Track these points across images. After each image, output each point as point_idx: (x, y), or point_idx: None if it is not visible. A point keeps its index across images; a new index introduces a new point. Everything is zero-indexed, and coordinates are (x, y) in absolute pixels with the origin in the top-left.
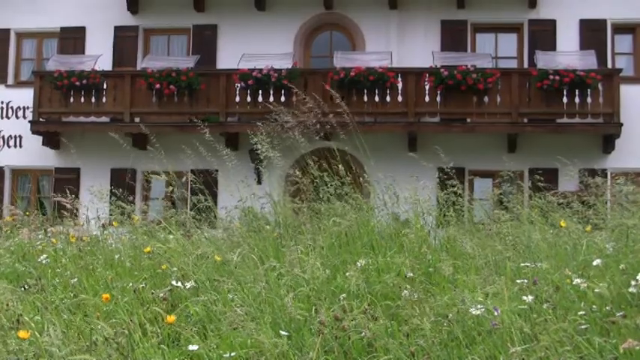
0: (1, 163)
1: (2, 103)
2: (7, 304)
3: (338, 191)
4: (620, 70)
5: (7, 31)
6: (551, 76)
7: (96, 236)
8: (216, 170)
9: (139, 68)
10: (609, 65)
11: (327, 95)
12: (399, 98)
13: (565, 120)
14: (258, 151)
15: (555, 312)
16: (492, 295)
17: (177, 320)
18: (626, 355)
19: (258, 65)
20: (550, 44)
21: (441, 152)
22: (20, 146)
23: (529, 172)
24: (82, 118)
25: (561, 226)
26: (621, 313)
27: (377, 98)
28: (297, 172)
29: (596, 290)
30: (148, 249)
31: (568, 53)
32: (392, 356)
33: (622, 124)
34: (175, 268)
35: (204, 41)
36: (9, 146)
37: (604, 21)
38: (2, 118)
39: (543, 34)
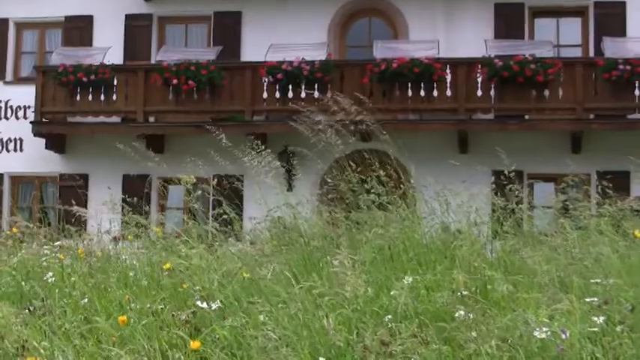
0: None
1: (0, 102)
2: (12, 328)
3: (380, 199)
4: None
5: (5, 21)
6: (621, 66)
7: (108, 251)
8: (242, 176)
9: (153, 62)
10: None
11: (367, 90)
12: (448, 93)
13: (637, 115)
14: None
15: (631, 335)
16: (559, 315)
17: (203, 346)
18: None
19: (287, 57)
20: (619, 29)
21: (502, 153)
22: (21, 150)
23: (597, 176)
24: (90, 118)
25: (635, 237)
26: None
27: (422, 93)
28: (333, 178)
29: None
30: (168, 265)
31: None
32: None
33: None
34: (198, 287)
35: (227, 30)
36: (8, 150)
37: None
38: (0, 119)
39: (611, 19)
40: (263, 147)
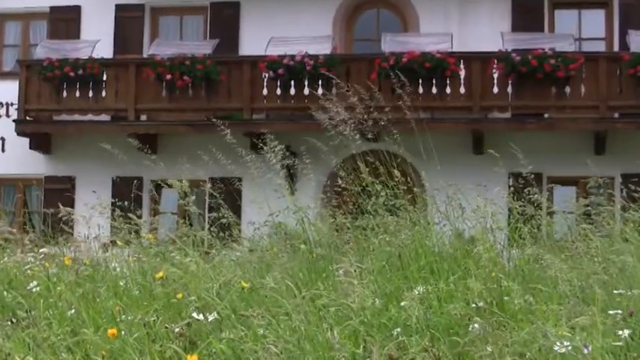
0: None
1: None
2: None
3: (389, 203)
4: None
5: None
6: None
7: (97, 259)
8: (240, 178)
9: (145, 55)
10: None
11: (375, 86)
12: (462, 89)
13: None
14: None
15: None
16: (580, 329)
17: None
18: None
19: (289, 51)
20: None
21: (518, 152)
22: (3, 150)
23: (622, 179)
24: (77, 117)
25: None
26: None
27: (434, 89)
28: (339, 180)
29: None
30: (161, 274)
31: None
32: None
33: None
34: (194, 297)
35: (224, 22)
36: None
37: None
38: None
39: (637, 10)
40: (276, 142)
